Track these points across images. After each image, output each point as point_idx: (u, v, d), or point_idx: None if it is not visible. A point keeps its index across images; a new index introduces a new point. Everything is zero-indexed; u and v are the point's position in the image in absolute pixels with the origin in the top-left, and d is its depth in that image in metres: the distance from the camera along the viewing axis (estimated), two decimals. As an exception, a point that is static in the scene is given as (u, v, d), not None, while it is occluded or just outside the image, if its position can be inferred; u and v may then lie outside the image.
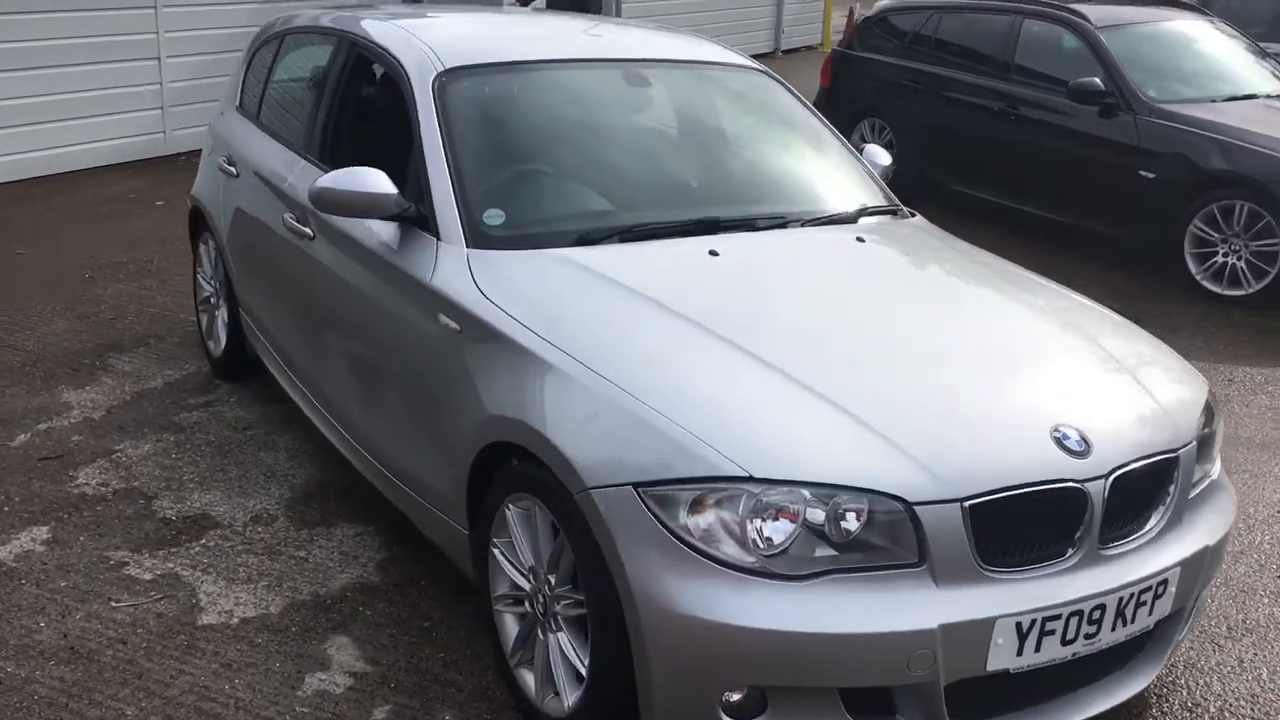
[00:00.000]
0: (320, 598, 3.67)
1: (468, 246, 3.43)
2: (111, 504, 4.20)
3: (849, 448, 2.68)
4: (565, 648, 2.94)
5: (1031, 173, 8.23)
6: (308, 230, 4.10)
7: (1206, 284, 7.35)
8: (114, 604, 3.60)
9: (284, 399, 4.98)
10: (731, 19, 16.47)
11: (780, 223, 3.75)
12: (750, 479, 2.59)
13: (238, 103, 5.21)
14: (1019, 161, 8.30)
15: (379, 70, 4.19)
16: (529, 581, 3.08)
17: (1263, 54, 8.71)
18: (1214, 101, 7.85)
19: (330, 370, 4.08)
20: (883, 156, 4.45)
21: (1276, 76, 8.41)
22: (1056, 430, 2.81)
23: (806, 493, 2.60)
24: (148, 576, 3.76)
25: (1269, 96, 8.08)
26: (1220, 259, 7.31)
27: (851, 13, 19.62)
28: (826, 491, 2.60)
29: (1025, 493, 2.68)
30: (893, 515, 2.61)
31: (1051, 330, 3.33)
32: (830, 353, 3.00)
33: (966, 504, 2.62)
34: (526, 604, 3.11)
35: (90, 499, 4.23)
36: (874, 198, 4.13)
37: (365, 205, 3.57)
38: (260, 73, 5.14)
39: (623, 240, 3.51)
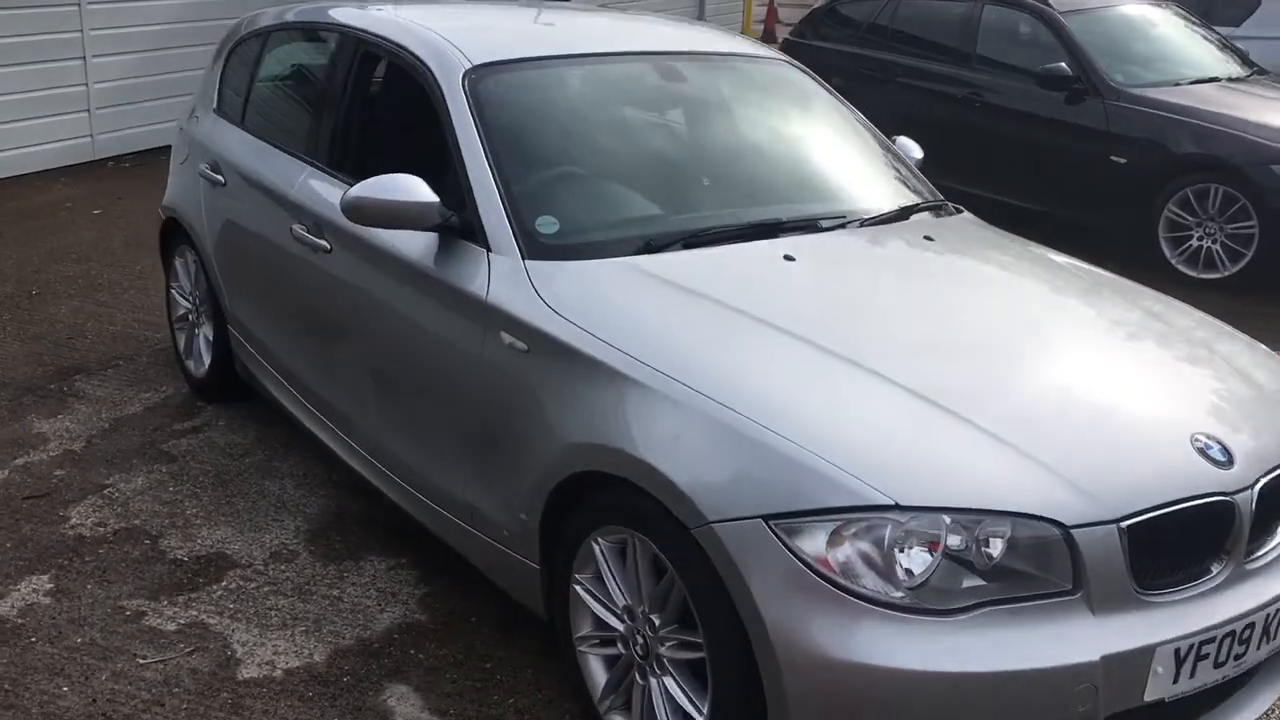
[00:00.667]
0: (366, 642, 3.40)
1: (524, 258, 3.17)
2: (114, 546, 3.86)
3: (996, 469, 2.49)
4: (673, 692, 2.72)
5: (1000, 160, 8.16)
6: (323, 242, 3.80)
7: (1182, 268, 7.34)
8: (141, 661, 3.28)
9: (278, 421, 4.68)
10: (654, 5, 16.20)
11: (840, 222, 3.55)
12: (896, 507, 2.39)
13: (215, 105, 4.86)
14: (986, 149, 8.23)
15: (393, 69, 3.89)
16: (623, 621, 2.84)
17: (1218, 37, 8.76)
18: (1178, 85, 7.86)
19: (352, 392, 3.79)
20: (915, 149, 4.29)
21: (1232, 60, 8.45)
22: (1196, 441, 2.65)
23: (947, 519, 2.41)
24: (172, 627, 3.44)
25: (1229, 79, 8.11)
26: (1195, 242, 7.31)
27: (772, 1, 19.58)
28: (972, 517, 2.41)
29: (1179, 510, 2.52)
30: (1045, 540, 2.43)
31: (1161, 336, 3.18)
32: (944, 364, 2.81)
33: (1124, 524, 2.45)
34: (619, 645, 2.87)
35: (89, 541, 3.89)
36: (921, 192, 3.96)
37: (404, 216, 3.29)
38: (241, 73, 4.80)
39: (686, 246, 3.28)
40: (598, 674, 2.95)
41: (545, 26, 4.13)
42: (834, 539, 2.41)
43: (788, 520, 2.43)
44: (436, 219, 3.30)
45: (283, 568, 3.76)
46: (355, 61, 4.01)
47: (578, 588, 2.95)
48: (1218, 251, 7.23)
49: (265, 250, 4.20)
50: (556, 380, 2.93)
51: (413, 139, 3.74)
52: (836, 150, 3.98)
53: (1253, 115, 7.35)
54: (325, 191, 3.87)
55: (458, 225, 3.33)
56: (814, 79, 4.27)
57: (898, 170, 4.03)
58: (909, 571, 2.40)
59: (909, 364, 2.77)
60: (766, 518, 2.44)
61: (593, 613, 2.94)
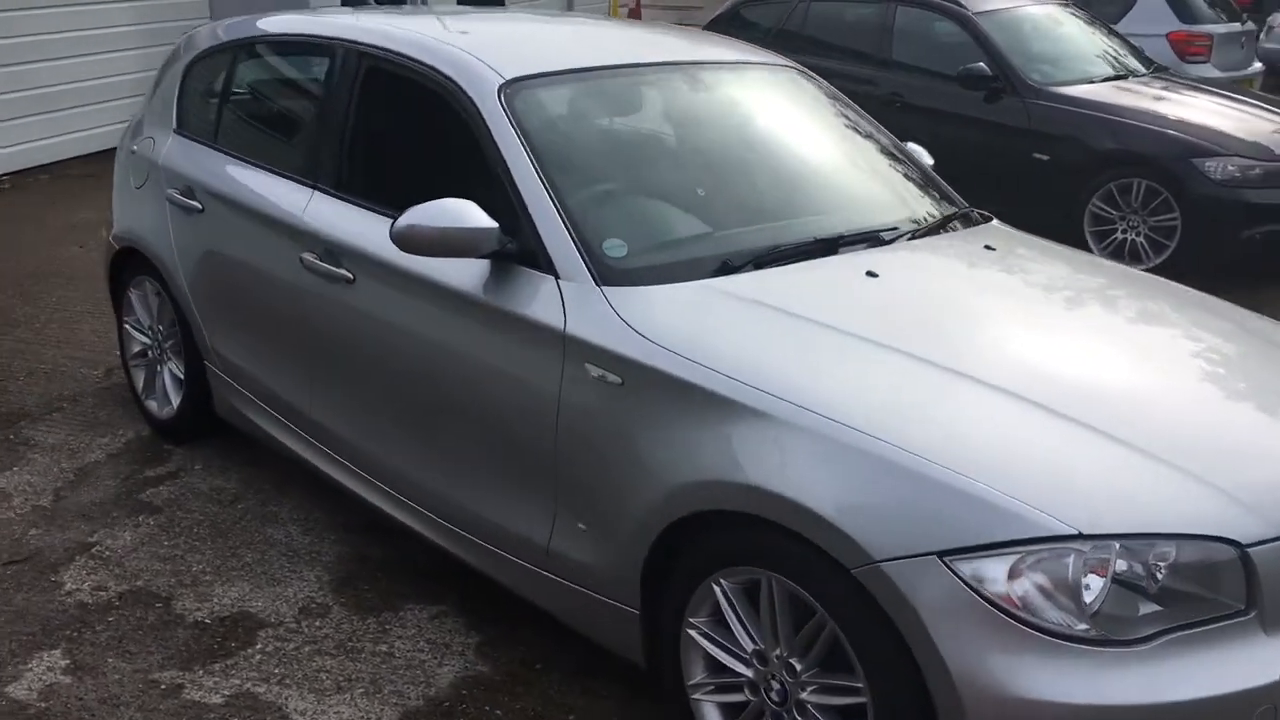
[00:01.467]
0: (435, 701, 3.17)
1: (599, 284, 3.00)
2: (124, 612, 3.54)
3: (1165, 489, 2.43)
4: (819, 739, 2.59)
5: (923, 160, 8.22)
6: (343, 272, 3.55)
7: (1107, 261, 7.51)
8: (195, 740, 3.00)
9: (260, 462, 4.39)
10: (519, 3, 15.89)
11: (895, 235, 3.46)
12: (1079, 536, 2.30)
13: (175, 125, 4.52)
14: (909, 149, 8.28)
15: (406, 84, 3.63)
16: (752, 666, 2.69)
17: (1119, 36, 9.01)
18: (1092, 83, 8.04)
19: (383, 431, 3.54)
20: (925, 155, 4.25)
21: (1131, 57, 8.70)
22: None
23: (1117, 545, 2.34)
24: (217, 699, 3.15)
25: (1138, 76, 8.35)
26: (1119, 235, 7.49)
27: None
28: (1144, 542, 2.34)
29: None
30: (1215, 561, 2.38)
31: (1254, 343, 3.17)
32: (1073, 382, 2.74)
33: None
34: (746, 691, 2.72)
35: (94, 608, 3.55)
36: (950, 199, 3.91)
37: (460, 243, 3.09)
38: (206, 91, 4.48)
39: (758, 266, 3.14)
40: None
41: (559, 37, 3.94)
42: (1013, 572, 2.31)
43: (964, 556, 2.32)
44: (494, 245, 3.10)
45: (317, 624, 3.49)
46: (359, 77, 3.75)
47: (692, 632, 2.80)
48: (1141, 244, 7.41)
49: (262, 281, 3.91)
50: (662, 415, 2.77)
51: (436, 159, 3.53)
52: (866, 158, 3.90)
53: (1168, 111, 7.58)
54: (343, 217, 3.61)
55: (515, 251, 3.13)
56: (822, 84, 4.18)
57: (921, 177, 3.97)
58: (1084, 601, 2.32)
59: (1038, 382, 2.69)
60: (941, 554, 2.33)
61: (709, 658, 2.79)
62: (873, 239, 3.40)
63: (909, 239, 3.49)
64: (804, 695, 2.60)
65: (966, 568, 2.32)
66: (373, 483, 3.64)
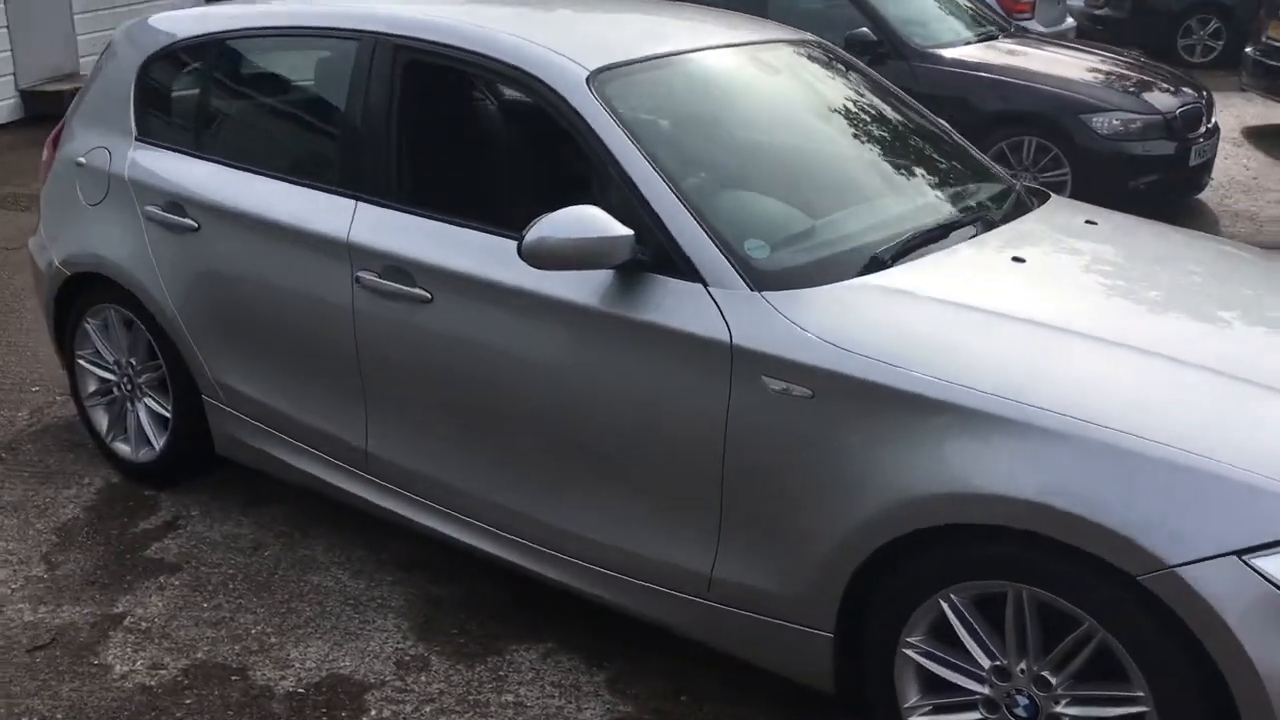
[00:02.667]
0: (595, 751, 2.93)
1: (755, 289, 2.79)
2: (199, 692, 3.13)
3: None
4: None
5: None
6: (419, 291, 3.21)
7: (1002, 218, 7.70)
8: (358, 832, 2.67)
9: (262, 501, 4.03)
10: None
11: (997, 215, 3.38)
12: None
13: (135, 134, 4.00)
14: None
15: (463, 79, 3.31)
16: (989, 684, 2.57)
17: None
18: (968, 45, 8.20)
19: (480, 464, 3.23)
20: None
21: (995, 20, 8.93)
22: None
23: None
24: (359, 780, 2.82)
25: (1007, 36, 8.57)
26: (1012, 193, 7.67)
27: None
28: None
29: None
30: None
31: None
32: (1273, 357, 2.71)
33: None
34: (981, 710, 2.60)
35: (162, 692, 3.13)
36: (997, 173, 3.84)
37: (595, 254, 2.83)
38: (179, 92, 3.99)
39: (896, 258, 3.00)
40: None
41: (607, 23, 3.66)
42: None
43: (1263, 552, 2.26)
44: (628, 254, 2.86)
45: (423, 679, 3.18)
46: (398, 73, 3.38)
47: (909, 652, 2.65)
48: (1034, 200, 7.62)
49: (292, 305, 3.51)
50: (869, 427, 2.60)
51: (517, 162, 3.24)
52: (923, 133, 3.79)
53: (1049, 69, 7.80)
54: (410, 231, 3.26)
55: (648, 259, 2.89)
56: (847, 57, 4.05)
57: (964, 149, 3.90)
58: None
59: (1243, 359, 2.65)
60: (1239, 553, 2.26)
61: (926, 678, 2.65)
62: (985, 222, 3.30)
63: (1014, 220, 3.39)
64: (1059, 709, 2.50)
65: (1267, 564, 2.25)
66: (461, 519, 3.33)
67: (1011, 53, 8.11)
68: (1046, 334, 2.69)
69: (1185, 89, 8.00)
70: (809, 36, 3.98)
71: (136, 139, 3.99)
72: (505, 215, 3.16)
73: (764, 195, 3.21)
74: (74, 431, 4.58)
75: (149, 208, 3.85)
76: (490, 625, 3.41)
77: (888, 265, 2.95)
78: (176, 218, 3.77)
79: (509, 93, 3.17)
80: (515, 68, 3.20)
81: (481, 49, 3.27)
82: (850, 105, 3.68)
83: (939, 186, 3.51)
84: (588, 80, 3.11)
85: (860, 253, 2.98)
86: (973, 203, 3.45)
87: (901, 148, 3.64)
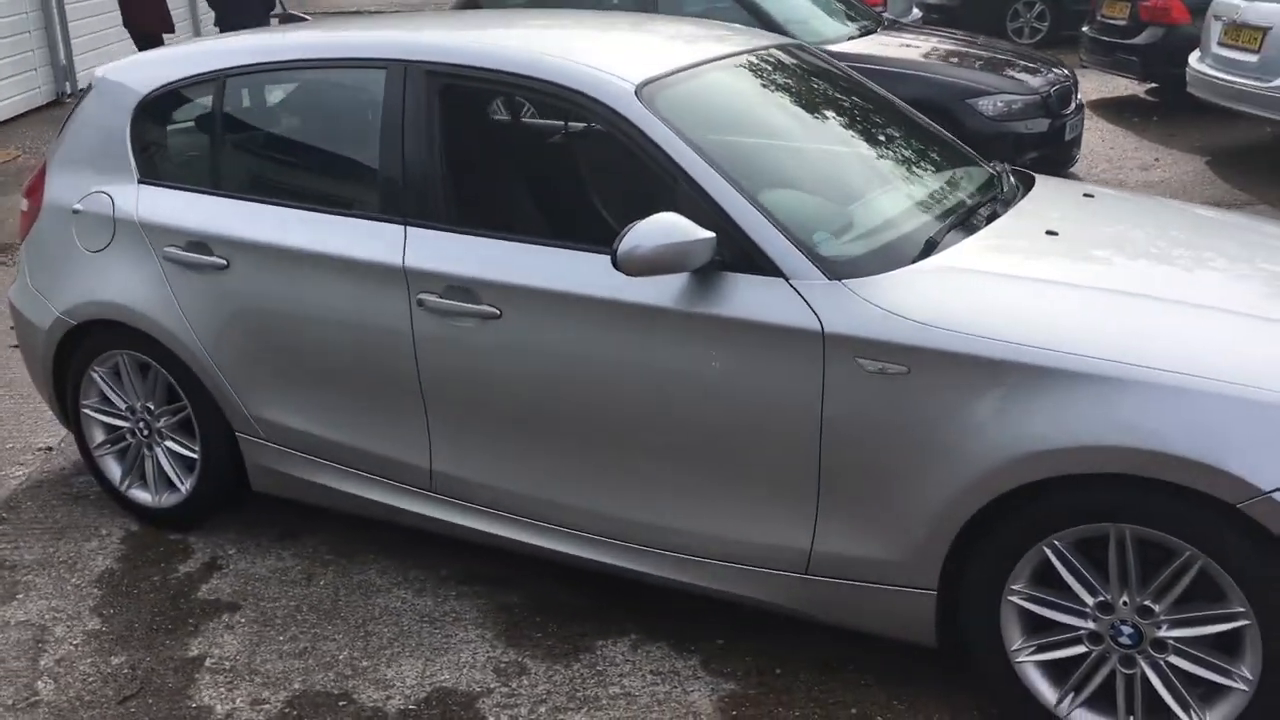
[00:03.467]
0: (718, 728, 3.08)
1: (833, 278, 2.99)
2: None
3: None
4: (1191, 670, 2.75)
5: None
6: (487, 308, 3.30)
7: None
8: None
9: (296, 531, 4.08)
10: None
11: (1007, 196, 3.66)
12: None
13: (138, 175, 3.96)
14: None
15: (508, 102, 3.42)
16: (1092, 619, 2.82)
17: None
18: (851, 39, 8.57)
19: (561, 471, 3.34)
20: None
21: (869, 14, 9.34)
22: None
23: None
24: (505, 783, 2.91)
25: (884, 29, 8.98)
26: (909, 178, 8.06)
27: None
28: None
29: None
30: None
31: None
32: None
33: None
34: (1085, 643, 2.85)
35: (275, 724, 3.15)
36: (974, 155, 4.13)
37: (681, 258, 2.99)
38: (186, 131, 3.96)
39: (940, 241, 3.23)
40: (1042, 682, 2.91)
41: (624, 38, 3.79)
42: None
43: None
44: (709, 255, 3.02)
45: (526, 682, 3.28)
46: (433, 98, 3.47)
47: (1014, 599, 2.89)
48: (929, 182, 8.03)
49: (344, 332, 3.55)
50: (965, 395, 2.82)
51: (572, 176, 3.36)
52: (915, 126, 4.04)
53: (932, 58, 8.23)
54: (470, 251, 3.35)
55: (724, 258, 3.06)
56: (829, 57, 4.29)
57: (951, 137, 4.17)
58: None
59: (1259, 303, 2.96)
60: None
61: (1029, 621, 2.89)
62: (1002, 201, 3.57)
63: (1023, 199, 3.66)
64: (1163, 633, 2.76)
65: None
66: (539, 526, 3.44)
67: (894, 45, 8.52)
68: (1110, 297, 2.96)
69: (1053, 69, 8.53)
70: (792, 40, 4.20)
71: (140, 181, 3.96)
72: (569, 229, 3.27)
73: (813, 189, 3.41)
74: (70, 485, 4.50)
75: (168, 249, 3.83)
76: (571, 626, 3.52)
77: (938, 248, 3.18)
78: (201, 256, 3.76)
79: (554, 109, 3.28)
80: (562, 86, 3.32)
81: (522, 70, 3.38)
82: (848, 102, 3.92)
83: (945, 172, 3.76)
84: (636, 93, 3.26)
85: (912, 238, 3.20)
86: (977, 185, 3.71)
87: (901, 139, 3.88)
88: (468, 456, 3.49)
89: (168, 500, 4.10)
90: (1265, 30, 8.74)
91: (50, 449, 4.82)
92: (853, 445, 2.96)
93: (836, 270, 3.01)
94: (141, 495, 4.15)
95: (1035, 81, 8.13)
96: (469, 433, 3.46)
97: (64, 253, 4.09)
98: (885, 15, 9.78)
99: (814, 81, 3.94)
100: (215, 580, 3.84)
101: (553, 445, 3.35)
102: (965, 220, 3.38)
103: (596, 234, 3.30)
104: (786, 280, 3.01)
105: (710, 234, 3.00)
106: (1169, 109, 10.73)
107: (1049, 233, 3.33)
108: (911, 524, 2.93)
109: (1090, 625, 2.84)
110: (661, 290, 3.11)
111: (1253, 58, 8.72)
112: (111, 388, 4.10)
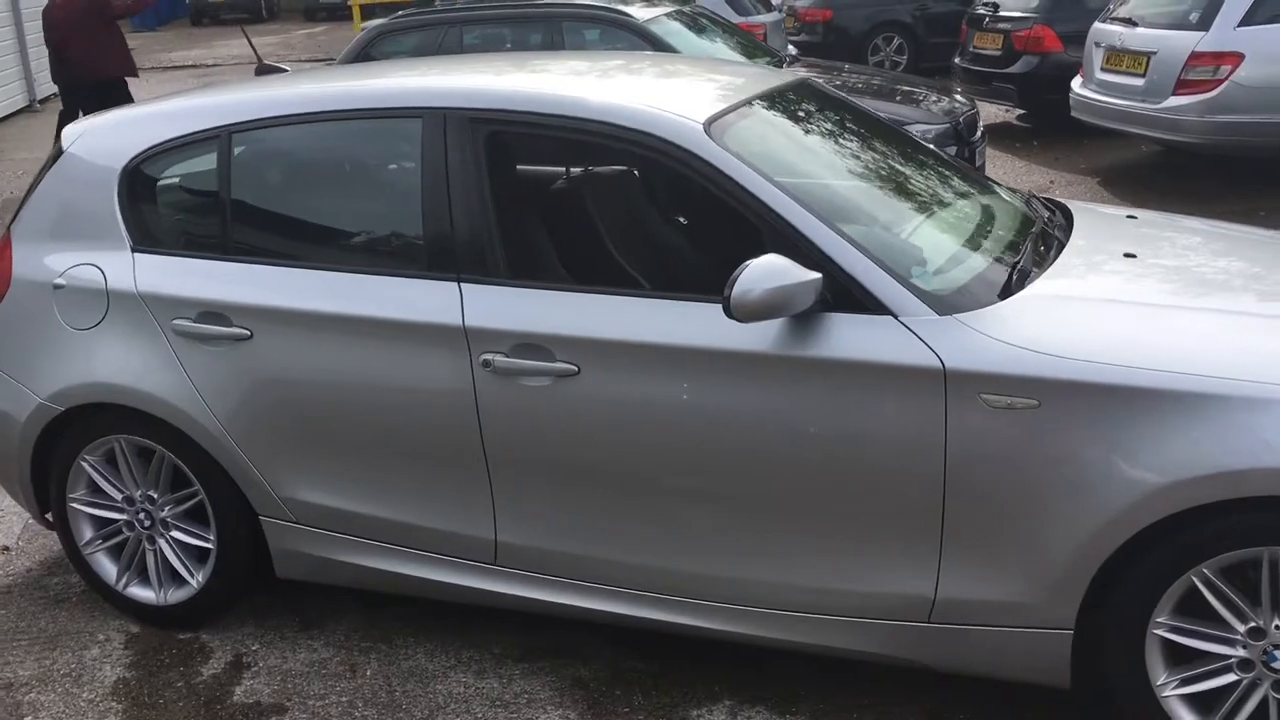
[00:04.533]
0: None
1: (942, 314, 2.89)
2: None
3: None
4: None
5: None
6: (564, 365, 3.10)
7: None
8: None
9: (322, 621, 3.79)
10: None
11: (1056, 223, 3.63)
12: None
13: (131, 243, 3.62)
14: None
15: (563, 146, 3.23)
16: (1243, 645, 2.76)
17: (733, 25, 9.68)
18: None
19: (648, 531, 3.15)
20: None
21: (770, 50, 9.40)
22: None
23: None
24: None
25: (786, 64, 9.04)
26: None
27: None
28: None
29: None
30: None
31: None
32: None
33: None
34: (1236, 671, 2.78)
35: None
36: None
37: (790, 300, 2.86)
38: (186, 194, 3.64)
39: (1030, 271, 3.17)
40: (1189, 716, 2.84)
41: (663, 80, 3.65)
42: None
43: None
44: (815, 296, 2.89)
45: (633, 764, 3.06)
46: (480, 147, 3.25)
47: (1158, 631, 2.81)
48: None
49: (392, 399, 3.29)
50: (1099, 427, 2.74)
51: (636, 221, 3.19)
52: (939, 155, 3.99)
53: (852, 94, 8.29)
54: (542, 306, 3.14)
55: (827, 298, 2.93)
56: (838, 92, 4.23)
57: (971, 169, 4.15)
58: None
59: None
60: None
61: (1171, 654, 2.82)
62: (1059, 227, 3.53)
63: (1073, 226, 3.62)
64: None
65: None
66: (619, 592, 3.23)
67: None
68: (1223, 317, 2.94)
69: (957, 98, 8.71)
70: (808, 75, 4.13)
71: (135, 249, 3.62)
72: (642, 277, 3.09)
73: (888, 223, 3.31)
74: (45, 587, 4.08)
75: (177, 321, 3.50)
76: (657, 696, 3.31)
77: (1029, 279, 3.11)
78: (218, 328, 3.45)
79: (615, 152, 3.11)
80: (625, 127, 3.15)
81: (579, 113, 3.20)
82: (877, 136, 3.84)
83: (987, 200, 3.71)
84: (705, 131, 3.12)
85: (997, 269, 3.13)
86: (1022, 213, 3.67)
87: (935, 170, 3.81)
88: (539, 524, 3.26)
89: (174, 596, 3.74)
90: (1150, 55, 9.09)
91: (8, 549, 4.38)
92: (979, 485, 2.85)
93: (940, 306, 2.91)
94: (142, 593, 3.78)
95: (946, 111, 8.28)
96: (540, 498, 3.24)
97: (43, 332, 3.71)
98: (785, 54, 9.85)
99: (844, 115, 3.86)
100: (248, 680, 3.50)
101: (640, 505, 3.15)
102: (1037, 249, 3.33)
103: (675, 281, 3.15)
104: (895, 318, 2.90)
105: (817, 275, 2.87)
106: (1048, 133, 11.08)
107: (1127, 255, 3.29)
108: (1047, 562, 2.83)
109: (1241, 653, 2.78)
110: (760, 335, 2.96)
111: (1139, 81, 9.05)
112: (105, 477, 3.73)
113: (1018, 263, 3.16)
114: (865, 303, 2.92)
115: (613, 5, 8.69)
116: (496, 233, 3.24)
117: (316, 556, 3.56)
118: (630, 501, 3.15)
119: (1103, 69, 9.49)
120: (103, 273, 3.62)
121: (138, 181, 3.67)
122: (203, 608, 3.74)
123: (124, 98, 9.17)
